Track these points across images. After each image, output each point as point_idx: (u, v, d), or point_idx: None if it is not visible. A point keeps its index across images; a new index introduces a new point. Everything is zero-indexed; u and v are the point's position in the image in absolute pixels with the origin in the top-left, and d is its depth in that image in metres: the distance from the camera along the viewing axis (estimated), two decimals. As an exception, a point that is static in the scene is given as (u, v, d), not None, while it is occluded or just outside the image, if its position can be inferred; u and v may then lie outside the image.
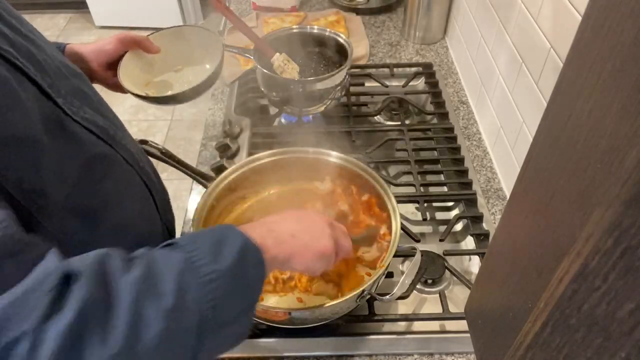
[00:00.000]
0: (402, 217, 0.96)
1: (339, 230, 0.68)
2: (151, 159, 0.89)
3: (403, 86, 1.25)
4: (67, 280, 0.43)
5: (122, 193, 0.70)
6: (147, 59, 0.93)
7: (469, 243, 0.94)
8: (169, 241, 0.53)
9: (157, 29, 0.96)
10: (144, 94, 0.88)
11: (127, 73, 0.88)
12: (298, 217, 0.65)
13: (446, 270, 0.85)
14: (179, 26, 0.98)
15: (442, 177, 1.04)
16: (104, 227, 0.65)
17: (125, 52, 0.89)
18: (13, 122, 0.51)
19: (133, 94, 0.86)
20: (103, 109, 0.71)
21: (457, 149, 1.07)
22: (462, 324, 0.77)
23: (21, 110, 0.52)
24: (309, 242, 0.62)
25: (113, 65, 0.88)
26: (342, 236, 0.68)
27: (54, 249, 0.46)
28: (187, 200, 1.00)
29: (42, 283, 0.42)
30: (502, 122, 1.01)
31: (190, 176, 0.89)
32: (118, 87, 0.88)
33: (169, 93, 0.89)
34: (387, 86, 1.25)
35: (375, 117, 1.20)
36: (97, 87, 0.92)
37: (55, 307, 0.41)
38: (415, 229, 0.92)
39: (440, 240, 0.90)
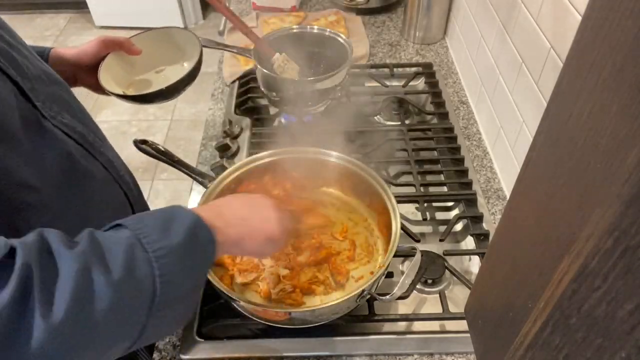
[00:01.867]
0: (402, 217, 0.96)
1: (284, 214, 0.69)
2: (151, 158, 0.89)
3: (403, 86, 1.25)
4: (8, 256, 0.42)
5: (99, 200, 0.71)
6: (129, 60, 0.94)
7: (469, 243, 0.94)
8: (113, 223, 0.52)
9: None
10: (121, 93, 0.88)
11: (109, 74, 0.90)
12: (248, 201, 0.66)
13: (446, 270, 0.85)
14: (160, 28, 0.99)
15: (442, 177, 1.04)
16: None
17: (108, 54, 0.90)
18: None
19: (112, 93, 0.87)
20: (83, 117, 0.72)
21: (457, 149, 1.07)
22: (462, 324, 0.77)
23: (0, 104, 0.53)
24: (259, 225, 0.63)
25: (96, 67, 0.88)
26: (286, 220, 0.68)
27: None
28: (187, 200, 1.00)
29: None
30: (502, 122, 1.01)
31: (190, 176, 0.89)
32: (102, 90, 0.88)
33: (147, 91, 0.90)
34: (387, 86, 1.25)
35: (375, 117, 1.20)
36: (93, 96, 0.93)
37: None
38: (415, 229, 0.92)
39: (440, 240, 0.90)
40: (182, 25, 3.10)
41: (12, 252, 0.43)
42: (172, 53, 0.99)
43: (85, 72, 0.88)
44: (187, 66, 0.95)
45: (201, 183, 0.88)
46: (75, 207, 0.65)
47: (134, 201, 0.80)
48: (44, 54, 0.83)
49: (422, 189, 0.99)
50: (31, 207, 0.58)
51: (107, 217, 0.72)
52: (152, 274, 0.47)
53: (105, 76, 0.88)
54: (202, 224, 0.54)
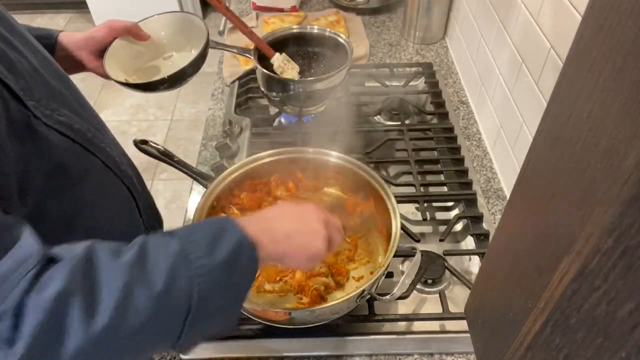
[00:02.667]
0: (402, 217, 0.96)
1: (333, 226, 0.68)
2: (151, 158, 0.89)
3: (403, 86, 1.25)
4: (49, 262, 0.44)
5: (99, 197, 0.70)
6: (137, 45, 0.93)
7: (469, 243, 0.94)
8: (169, 230, 0.55)
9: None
10: (124, 81, 0.87)
11: (115, 60, 0.88)
12: (296, 215, 0.65)
13: (446, 270, 0.85)
14: (168, 12, 0.98)
15: (442, 177, 1.04)
16: (78, 232, 0.65)
17: (115, 39, 0.89)
18: None
19: (116, 81, 0.86)
20: (84, 112, 0.71)
21: (457, 149, 1.07)
22: (462, 324, 0.77)
23: None
24: (303, 243, 0.63)
25: (104, 52, 0.88)
26: (335, 232, 0.67)
27: (28, 230, 0.47)
28: (187, 200, 1.00)
29: (22, 263, 0.43)
30: (502, 122, 1.01)
31: (190, 176, 0.89)
32: (108, 75, 0.87)
33: (148, 80, 0.88)
34: (387, 86, 1.25)
35: (375, 117, 1.20)
36: (95, 89, 0.92)
37: (36, 284, 0.42)
38: (415, 229, 0.92)
39: (440, 240, 0.90)
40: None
41: (49, 259, 0.44)
42: (180, 39, 0.97)
43: (93, 57, 0.87)
44: (194, 53, 0.93)
45: (201, 183, 0.88)
46: (67, 211, 0.64)
47: (138, 196, 0.80)
48: (52, 37, 0.82)
49: (422, 189, 0.99)
50: (11, 212, 0.56)
51: (109, 215, 0.72)
52: (190, 291, 0.49)
53: (110, 62, 0.87)
54: (247, 243, 0.55)
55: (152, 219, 0.87)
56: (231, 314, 0.56)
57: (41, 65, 0.64)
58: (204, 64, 0.93)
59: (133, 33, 0.91)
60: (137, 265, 0.48)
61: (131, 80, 0.89)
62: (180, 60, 0.95)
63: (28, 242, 0.45)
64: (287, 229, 0.62)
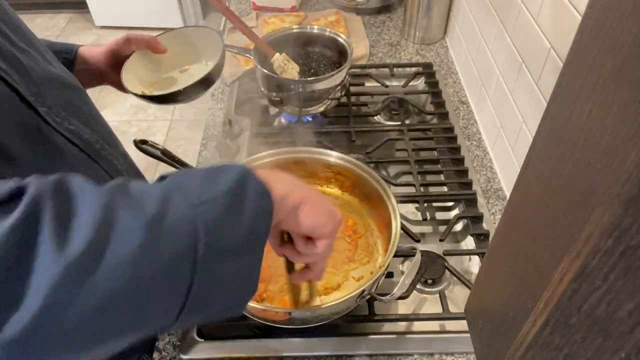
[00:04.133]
0: (402, 217, 0.96)
1: None
2: (151, 158, 0.89)
3: (403, 86, 1.25)
4: (20, 190, 0.37)
5: None
6: (155, 59, 0.95)
7: (469, 243, 0.94)
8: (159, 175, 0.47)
9: (157, 29, 0.97)
10: (141, 93, 0.88)
11: (133, 72, 0.90)
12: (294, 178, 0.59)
13: (446, 270, 0.85)
14: (186, 27, 1.00)
15: (442, 177, 1.04)
16: None
17: (133, 53, 0.90)
18: None
19: (133, 93, 0.87)
20: (94, 123, 0.71)
21: (457, 149, 1.07)
22: (462, 324, 0.77)
23: None
24: (317, 197, 0.55)
25: (121, 65, 0.89)
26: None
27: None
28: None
29: None
30: (502, 122, 1.01)
31: (191, 176, 0.89)
32: (125, 89, 0.88)
33: (166, 91, 0.89)
34: (387, 86, 1.25)
35: (375, 117, 1.20)
36: (95, 89, 0.92)
37: (2, 210, 0.35)
38: (415, 229, 0.92)
39: (440, 240, 0.90)
40: (182, 25, 3.11)
41: (20, 188, 0.37)
42: (197, 52, 0.99)
43: (110, 70, 0.88)
44: (210, 65, 0.94)
45: (201, 183, 0.88)
46: None
47: None
48: (72, 51, 0.83)
49: (422, 189, 0.99)
50: None
51: None
52: (193, 220, 0.40)
53: (128, 75, 0.88)
54: (253, 176, 0.47)
55: None
56: (249, 261, 0.46)
57: (55, 75, 0.65)
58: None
59: (151, 46, 0.91)
60: (119, 191, 0.40)
61: (148, 93, 0.90)
62: (196, 72, 0.96)
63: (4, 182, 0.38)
64: (294, 180, 0.55)
